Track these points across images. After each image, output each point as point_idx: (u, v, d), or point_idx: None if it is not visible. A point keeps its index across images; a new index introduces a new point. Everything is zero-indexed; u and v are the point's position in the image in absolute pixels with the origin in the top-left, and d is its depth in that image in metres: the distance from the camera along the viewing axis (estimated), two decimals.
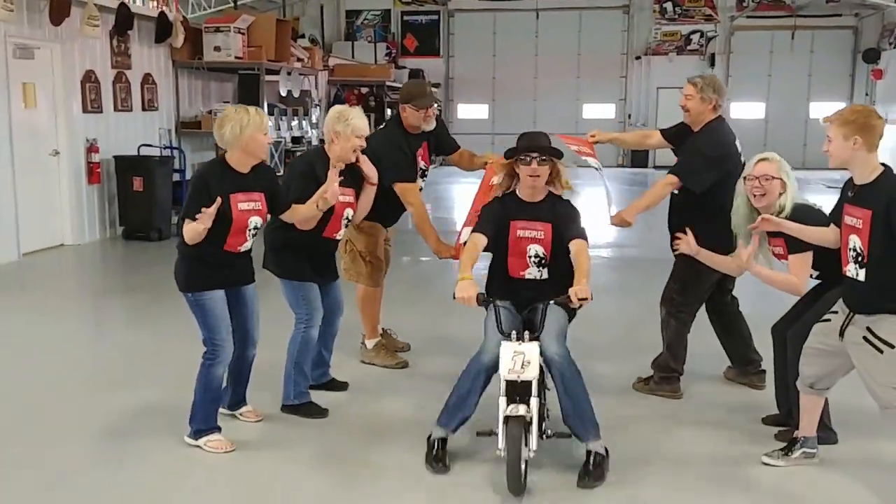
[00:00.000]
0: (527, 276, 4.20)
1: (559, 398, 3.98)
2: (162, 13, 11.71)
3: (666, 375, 5.15)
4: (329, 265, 4.89)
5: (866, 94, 23.52)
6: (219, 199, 3.98)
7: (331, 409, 4.81)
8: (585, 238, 4.14)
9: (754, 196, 4.19)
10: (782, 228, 4.04)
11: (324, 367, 5.17)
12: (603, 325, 6.66)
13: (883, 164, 3.69)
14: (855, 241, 3.67)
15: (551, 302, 3.95)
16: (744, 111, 23.99)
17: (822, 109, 23.58)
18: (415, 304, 7.40)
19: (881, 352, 3.63)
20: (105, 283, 9.14)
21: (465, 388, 4.03)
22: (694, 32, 23.74)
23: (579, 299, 3.80)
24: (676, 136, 5.22)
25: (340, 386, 5.20)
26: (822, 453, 4.16)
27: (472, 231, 4.25)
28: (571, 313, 4.16)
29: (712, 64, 23.65)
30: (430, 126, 5.44)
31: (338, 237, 4.83)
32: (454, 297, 3.83)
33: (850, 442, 4.36)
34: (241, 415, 4.69)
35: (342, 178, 4.52)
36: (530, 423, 3.70)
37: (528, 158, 4.08)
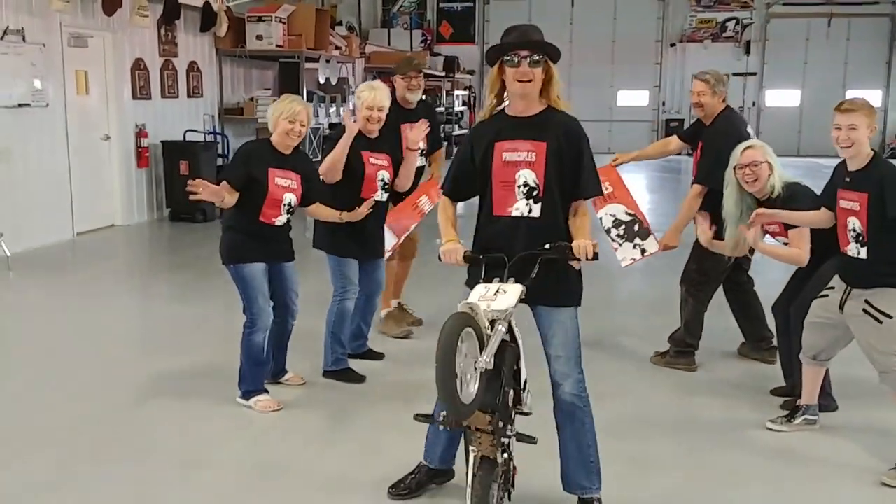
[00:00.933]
0: (513, 213, 3.30)
1: (561, 442, 3.45)
2: (207, 3, 12.14)
3: (682, 350, 5.46)
4: (370, 242, 5.15)
5: None
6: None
7: (368, 376, 5.20)
8: (599, 192, 3.47)
9: (747, 182, 4.48)
10: (777, 219, 4.36)
11: (362, 339, 5.56)
12: (625, 304, 6.98)
13: (872, 150, 3.96)
14: (854, 223, 3.94)
15: (547, 247, 3.21)
16: (779, 99, 23.99)
17: (858, 97, 23.47)
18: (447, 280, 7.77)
19: (880, 322, 3.92)
20: (153, 262, 9.64)
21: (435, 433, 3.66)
22: (729, 20, 23.71)
23: (587, 258, 3.16)
24: (694, 135, 5.50)
25: (377, 356, 5.59)
26: (823, 420, 4.46)
27: (441, 191, 3.62)
28: (575, 299, 3.40)
29: (748, 52, 23.65)
30: (415, 96, 5.84)
31: (376, 197, 5.01)
32: (440, 259, 3.35)
33: (849, 410, 4.65)
34: (286, 381, 5.10)
35: (375, 142, 5.03)
36: (505, 468, 3.11)
37: (516, 58, 3.21)
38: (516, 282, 3.11)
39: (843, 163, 4.05)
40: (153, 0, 10.96)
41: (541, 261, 3.19)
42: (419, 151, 5.34)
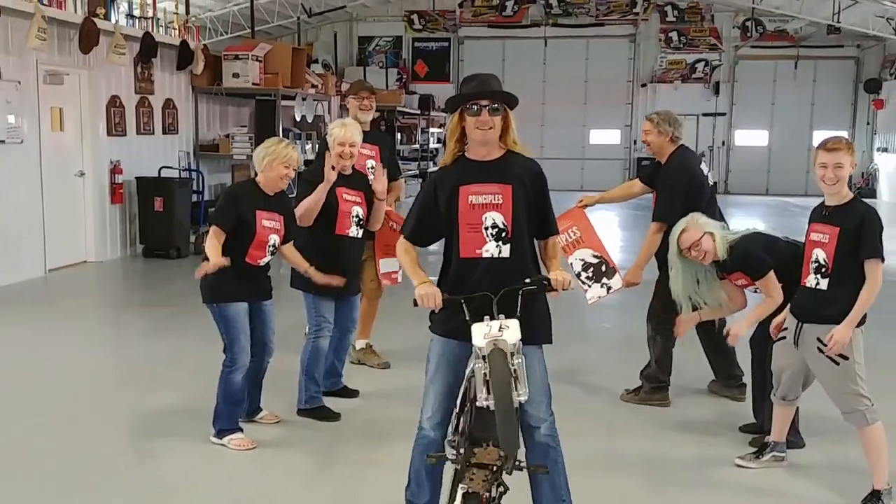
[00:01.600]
0: (483, 255, 3.34)
1: (535, 482, 3.43)
2: (184, 42, 12.25)
3: (656, 386, 5.54)
4: (346, 280, 5.11)
5: (868, 124, 23.97)
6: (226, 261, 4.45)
7: (343, 413, 5.21)
8: (557, 233, 3.59)
9: (701, 260, 4.64)
10: (748, 325, 4.65)
11: (336, 377, 5.58)
12: (594, 340, 7.06)
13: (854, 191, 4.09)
14: (819, 254, 4.04)
15: (528, 280, 3.27)
16: (748, 139, 24.48)
17: (824, 138, 24.02)
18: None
19: (837, 364, 4.02)
20: (126, 298, 9.59)
21: (420, 477, 3.53)
22: (699, 61, 24.25)
23: (564, 288, 3.27)
24: (652, 176, 5.65)
25: (352, 393, 5.61)
26: (790, 457, 4.54)
27: (402, 234, 3.60)
28: (546, 336, 3.48)
29: (717, 92, 24.16)
30: (366, 116, 6.01)
31: (350, 234, 5.09)
32: (415, 304, 3.29)
33: (817, 447, 4.74)
34: (260, 419, 5.09)
35: (349, 178, 5.12)
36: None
37: (476, 107, 3.30)
38: (507, 317, 3.15)
39: (822, 202, 4.13)
40: (130, 38, 11.04)
41: (522, 295, 3.24)
42: (385, 200, 5.43)
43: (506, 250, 3.34)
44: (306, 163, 14.51)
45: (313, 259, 4.94)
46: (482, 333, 3.07)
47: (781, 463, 4.48)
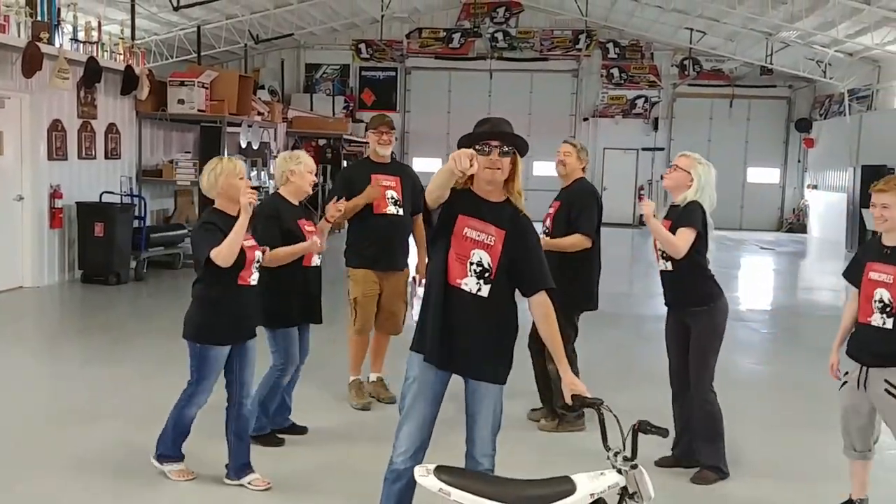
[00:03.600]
0: (462, 287, 3.48)
1: None
2: (129, 66, 12.20)
3: (578, 413, 5.55)
4: (312, 307, 5.15)
5: (799, 161, 24.91)
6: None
7: (291, 451, 5.16)
8: (552, 284, 3.58)
9: (667, 180, 4.99)
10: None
11: (286, 413, 5.44)
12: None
13: None
14: (883, 294, 4.04)
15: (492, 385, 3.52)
16: None
17: (758, 174, 24.92)
18: None
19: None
20: (64, 325, 9.45)
21: None
22: (639, 97, 24.94)
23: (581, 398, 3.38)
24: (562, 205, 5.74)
25: (300, 430, 5.46)
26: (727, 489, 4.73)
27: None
28: (506, 375, 3.63)
29: (655, 128, 24.86)
30: (385, 150, 5.99)
31: (314, 264, 5.14)
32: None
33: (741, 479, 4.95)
34: (249, 483, 4.63)
35: (303, 210, 5.16)
36: None
37: (488, 148, 3.44)
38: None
39: (879, 237, 4.19)
40: (74, 62, 10.97)
41: (485, 341, 3.52)
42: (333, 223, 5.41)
43: (485, 290, 3.49)
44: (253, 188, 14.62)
45: (276, 291, 4.93)
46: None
47: None
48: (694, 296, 4.83)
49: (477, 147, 3.42)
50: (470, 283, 3.48)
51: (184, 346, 4.57)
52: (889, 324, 4.04)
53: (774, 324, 10.89)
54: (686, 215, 4.76)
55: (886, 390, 4.04)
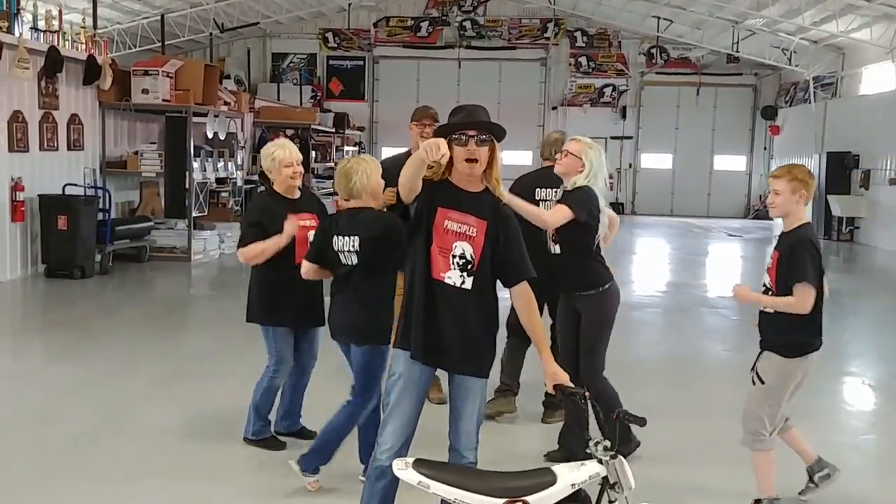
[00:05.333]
0: (446, 280, 3.43)
1: None
2: (91, 56, 11.94)
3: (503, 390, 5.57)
4: (310, 308, 4.90)
5: (765, 148, 25.16)
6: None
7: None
8: (533, 274, 3.52)
9: (559, 163, 4.86)
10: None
11: (293, 417, 5.16)
12: None
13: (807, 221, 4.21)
14: (765, 279, 4.21)
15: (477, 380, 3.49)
16: (653, 162, 25.35)
17: (725, 162, 25.16)
18: None
19: (753, 384, 4.22)
20: (27, 321, 9.26)
21: None
22: (607, 86, 25.01)
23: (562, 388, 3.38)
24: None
25: (310, 435, 4.97)
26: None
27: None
28: (489, 370, 3.60)
29: (624, 116, 24.97)
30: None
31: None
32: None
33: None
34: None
35: (297, 203, 4.90)
36: None
37: (465, 137, 3.35)
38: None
39: None
40: (34, 52, 10.70)
41: (470, 335, 3.49)
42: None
43: (469, 282, 3.43)
44: (218, 181, 14.42)
45: (268, 291, 4.79)
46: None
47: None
48: (583, 280, 4.82)
49: (454, 137, 3.36)
50: (454, 277, 3.42)
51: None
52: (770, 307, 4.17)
53: (744, 310, 10.96)
54: (567, 195, 4.74)
55: (752, 380, 4.20)
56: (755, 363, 4.26)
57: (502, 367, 5.57)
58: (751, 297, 4.30)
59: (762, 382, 4.17)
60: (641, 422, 3.15)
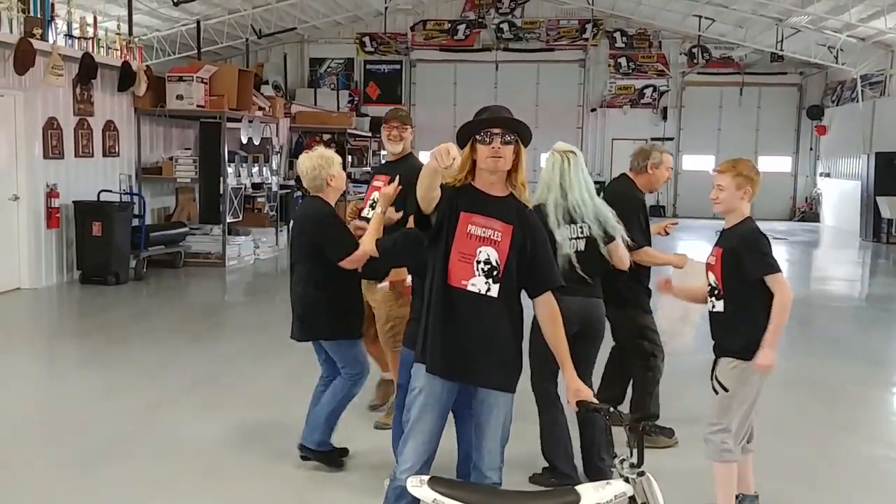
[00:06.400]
0: (469, 288, 3.24)
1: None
2: (126, 62, 11.99)
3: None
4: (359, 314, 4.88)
5: (811, 149, 24.55)
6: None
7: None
8: (561, 283, 3.41)
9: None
10: None
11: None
12: None
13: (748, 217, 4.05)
14: (711, 277, 4.04)
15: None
16: (694, 163, 24.83)
17: (769, 163, 24.59)
18: None
19: (716, 392, 3.97)
20: (62, 327, 9.26)
21: None
22: (647, 87, 24.60)
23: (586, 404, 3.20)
24: None
25: (340, 453, 4.87)
26: None
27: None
28: (516, 383, 3.41)
29: (665, 117, 24.53)
30: (394, 148, 5.30)
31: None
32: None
33: None
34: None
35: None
36: None
37: (489, 137, 3.22)
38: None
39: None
40: (69, 59, 10.76)
41: (497, 346, 3.30)
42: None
43: (495, 290, 3.26)
44: (255, 185, 14.40)
45: (338, 304, 4.61)
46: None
47: None
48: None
49: (478, 136, 3.24)
50: (478, 283, 3.24)
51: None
52: (718, 306, 4.00)
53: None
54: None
55: (713, 388, 3.99)
56: (713, 371, 4.03)
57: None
58: (766, 349, 3.89)
59: (725, 390, 3.94)
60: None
